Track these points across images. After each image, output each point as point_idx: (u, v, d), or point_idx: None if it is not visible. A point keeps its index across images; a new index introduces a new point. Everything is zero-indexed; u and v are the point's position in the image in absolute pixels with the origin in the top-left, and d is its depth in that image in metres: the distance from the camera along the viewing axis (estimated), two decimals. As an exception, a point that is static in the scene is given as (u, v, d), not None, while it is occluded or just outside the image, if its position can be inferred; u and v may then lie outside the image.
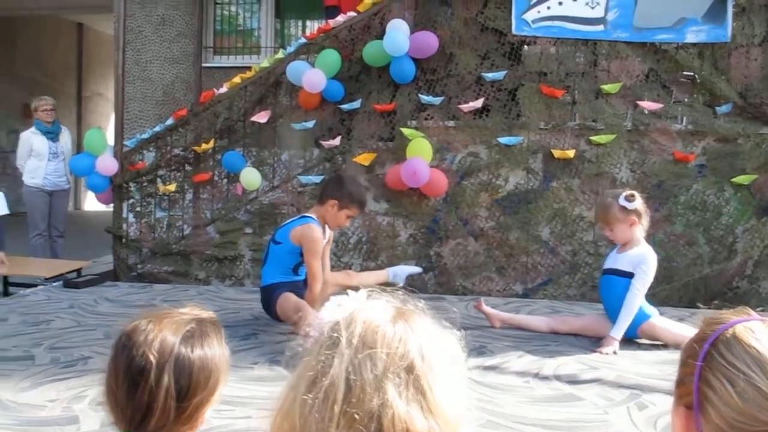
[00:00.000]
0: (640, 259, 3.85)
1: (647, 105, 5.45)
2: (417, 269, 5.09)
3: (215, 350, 1.32)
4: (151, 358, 1.22)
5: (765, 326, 0.93)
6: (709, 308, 4.99)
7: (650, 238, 5.45)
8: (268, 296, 3.97)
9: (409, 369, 0.87)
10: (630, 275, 3.86)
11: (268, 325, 4.06)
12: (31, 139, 6.99)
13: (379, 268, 5.55)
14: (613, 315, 3.93)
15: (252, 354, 3.57)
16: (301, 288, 3.97)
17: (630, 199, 3.85)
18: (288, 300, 3.81)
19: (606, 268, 4.08)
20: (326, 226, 4.08)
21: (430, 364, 0.90)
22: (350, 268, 5.59)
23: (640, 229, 3.91)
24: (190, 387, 1.25)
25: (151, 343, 1.24)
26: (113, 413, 1.27)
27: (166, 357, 1.23)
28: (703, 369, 0.92)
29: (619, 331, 3.78)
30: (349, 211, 4.03)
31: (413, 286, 5.20)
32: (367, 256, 5.64)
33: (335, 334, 0.89)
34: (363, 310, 0.94)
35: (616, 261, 3.97)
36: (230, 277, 5.79)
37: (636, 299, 3.81)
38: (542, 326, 4.20)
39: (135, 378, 1.22)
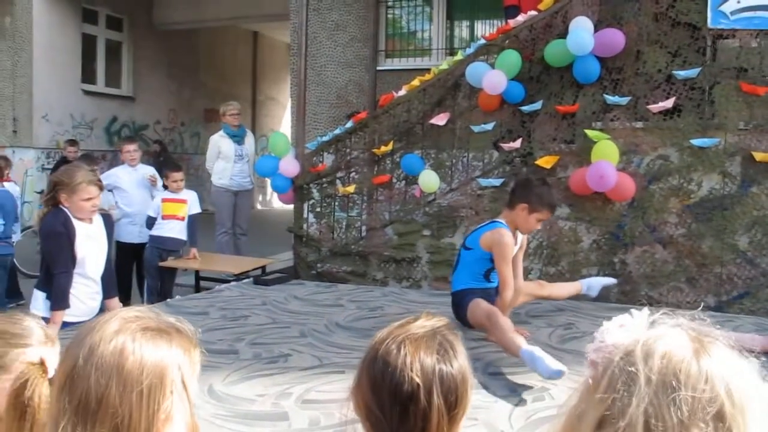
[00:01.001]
0: None
1: None
2: (611, 280, 4.84)
3: (465, 358, 1.33)
4: (418, 380, 1.23)
5: None
6: None
7: None
8: (459, 301, 3.94)
9: (719, 416, 0.79)
10: None
11: (458, 330, 4.03)
12: (219, 142, 7.46)
13: (560, 273, 5.40)
14: None
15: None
16: (492, 295, 3.91)
17: None
18: (479, 306, 3.76)
19: None
20: (517, 231, 3.99)
21: (742, 409, 0.81)
22: (530, 273, 5.47)
23: None
24: (457, 401, 1.26)
25: (412, 365, 1.25)
26: (376, 430, 1.28)
27: (430, 377, 1.24)
28: None
29: None
30: (539, 215, 3.91)
31: (596, 295, 5.01)
32: (547, 261, 5.49)
33: (632, 369, 0.82)
34: (660, 339, 0.87)
35: None
36: (407, 279, 5.85)
37: None
38: None
39: (405, 403, 1.23)
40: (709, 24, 5.23)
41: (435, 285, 5.71)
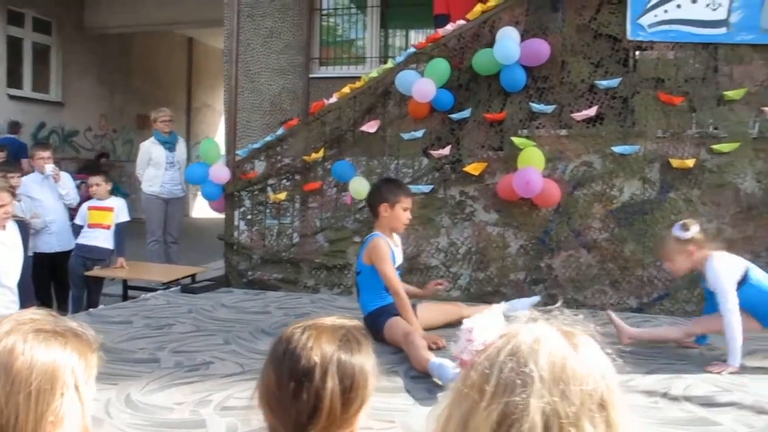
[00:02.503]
0: (712, 279, 3.64)
1: (775, 111, 5.15)
2: (536, 299, 4.90)
3: (369, 357, 1.36)
4: (316, 359, 1.26)
5: None
6: None
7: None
8: (373, 324, 3.95)
9: (602, 404, 0.84)
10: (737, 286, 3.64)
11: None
12: (150, 148, 7.33)
13: (489, 279, 5.49)
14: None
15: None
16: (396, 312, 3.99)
17: (684, 227, 3.70)
18: (397, 325, 3.81)
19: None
20: (394, 236, 4.12)
21: (614, 394, 0.86)
22: (459, 279, 5.55)
23: (708, 253, 3.68)
24: (352, 389, 1.27)
25: (312, 348, 1.29)
26: (275, 416, 1.30)
27: (328, 360, 1.27)
28: None
29: (735, 359, 3.55)
30: (402, 204, 4.09)
31: (523, 298, 5.10)
32: (476, 266, 5.57)
33: (525, 369, 0.84)
34: (539, 337, 0.90)
35: (704, 282, 3.82)
36: (339, 285, 5.85)
37: (732, 321, 3.52)
38: (678, 334, 4.01)
39: (300, 380, 1.25)
40: (629, 36, 5.41)
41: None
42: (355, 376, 1.28)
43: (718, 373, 3.50)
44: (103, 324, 4.17)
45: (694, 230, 3.71)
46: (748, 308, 3.63)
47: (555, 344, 0.87)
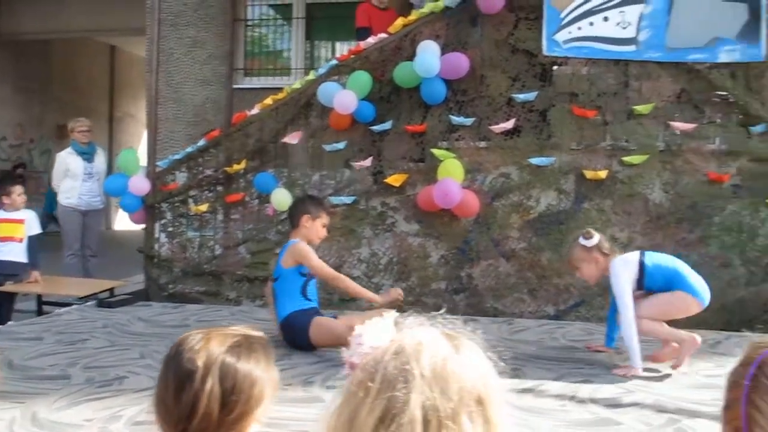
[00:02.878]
0: (613, 285, 3.80)
1: (680, 126, 5.41)
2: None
3: (261, 365, 1.36)
4: (199, 362, 1.27)
5: None
6: (752, 332, 4.90)
7: (684, 260, 5.41)
8: (290, 327, 4.01)
9: (479, 401, 0.88)
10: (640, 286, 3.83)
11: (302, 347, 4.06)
12: (67, 159, 7.13)
13: (410, 288, 5.55)
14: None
15: (285, 375, 3.57)
16: (317, 314, 4.02)
17: (587, 236, 3.86)
18: (323, 325, 3.84)
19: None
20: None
21: (492, 394, 0.91)
22: (380, 289, 5.59)
23: (611, 259, 3.83)
24: (234, 392, 1.28)
25: (199, 351, 1.30)
26: (159, 416, 1.31)
27: (212, 362, 1.28)
28: (750, 392, 0.93)
29: (636, 360, 3.70)
30: (322, 219, 4.28)
31: (444, 307, 5.19)
32: (398, 277, 5.63)
33: (407, 367, 0.88)
34: (422, 339, 0.93)
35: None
36: (261, 297, 5.81)
37: (629, 327, 3.68)
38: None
39: (182, 381, 1.27)
40: (544, 51, 5.59)
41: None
42: (238, 380, 1.28)
43: (623, 376, 3.65)
44: (12, 341, 4.03)
45: (596, 239, 3.85)
46: (658, 288, 3.82)
47: (437, 346, 0.91)
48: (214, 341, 1.32)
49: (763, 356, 0.95)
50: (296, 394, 3.26)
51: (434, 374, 0.87)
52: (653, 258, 3.88)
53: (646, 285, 3.84)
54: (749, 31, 5.37)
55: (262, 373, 1.34)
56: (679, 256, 5.36)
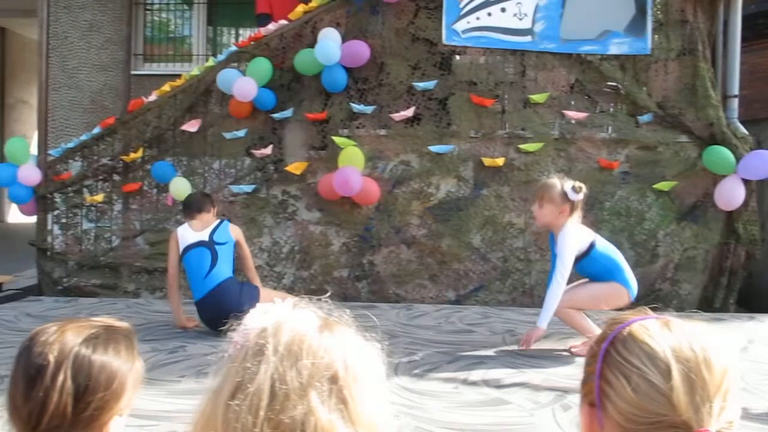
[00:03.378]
0: (560, 244, 3.89)
1: (573, 114, 5.61)
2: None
3: (122, 356, 1.29)
4: (50, 357, 1.20)
5: (660, 324, 0.96)
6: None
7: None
8: (236, 291, 4.23)
9: (333, 379, 0.89)
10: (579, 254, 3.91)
11: (197, 337, 4.01)
12: (-52, 148, 6.74)
13: (313, 277, 5.56)
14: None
15: (180, 367, 3.51)
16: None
17: (577, 190, 3.87)
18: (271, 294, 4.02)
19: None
20: None
21: (354, 375, 0.92)
22: (283, 278, 5.56)
23: (571, 220, 3.91)
24: (89, 387, 1.21)
25: (52, 344, 1.22)
26: (10, 416, 1.24)
27: (64, 356, 1.21)
28: (603, 367, 0.96)
29: (543, 321, 3.82)
30: None
31: (346, 294, 5.22)
32: (300, 265, 5.62)
33: (262, 341, 0.90)
34: (290, 320, 0.95)
35: (554, 245, 4.04)
36: (160, 289, 5.67)
37: (556, 289, 3.79)
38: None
39: (32, 376, 1.19)
40: (444, 41, 5.67)
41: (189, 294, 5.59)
42: (93, 374, 1.23)
43: (524, 347, 3.76)
44: None
45: (581, 196, 3.88)
46: (591, 274, 3.95)
47: (300, 324, 0.93)
48: (69, 333, 1.24)
49: (616, 332, 0.98)
50: (189, 385, 3.21)
51: (288, 350, 0.88)
52: (603, 245, 3.97)
53: (581, 265, 3.93)
54: (636, 26, 5.62)
55: (122, 364, 1.29)
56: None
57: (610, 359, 0.95)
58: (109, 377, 1.24)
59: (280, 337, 0.90)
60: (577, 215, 3.93)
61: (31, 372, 1.19)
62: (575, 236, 3.87)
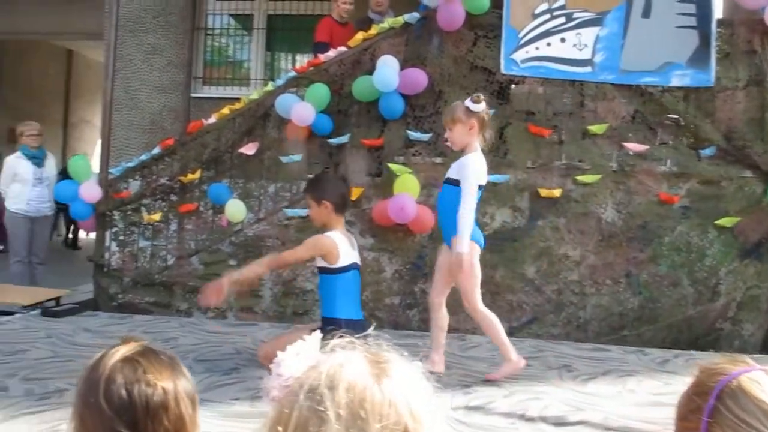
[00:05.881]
0: (461, 165, 3.83)
1: (633, 146, 5.50)
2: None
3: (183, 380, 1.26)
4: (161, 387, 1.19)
5: None
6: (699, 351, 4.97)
7: (634, 279, 5.51)
8: None
9: None
10: (457, 183, 3.85)
11: (251, 360, 4.00)
12: (15, 163, 6.95)
13: (364, 303, 5.50)
14: (443, 224, 3.99)
15: (233, 389, 3.51)
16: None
17: (476, 100, 3.85)
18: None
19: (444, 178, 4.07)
20: None
21: (421, 420, 0.85)
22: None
23: (478, 138, 3.88)
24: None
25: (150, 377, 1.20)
26: None
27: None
28: (711, 424, 0.89)
29: (463, 245, 3.74)
30: None
31: (397, 322, 5.18)
32: (351, 290, 5.59)
33: (320, 408, 0.82)
34: (340, 369, 0.86)
35: (450, 169, 3.97)
36: (212, 309, 5.72)
37: (464, 208, 3.73)
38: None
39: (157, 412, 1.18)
40: (502, 70, 5.64)
41: (240, 316, 5.63)
42: (165, 401, 1.21)
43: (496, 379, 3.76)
44: (-52, 351, 3.89)
45: (482, 107, 3.86)
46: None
47: (355, 377, 0.84)
48: (126, 367, 1.19)
49: (722, 385, 0.91)
50: (243, 408, 3.20)
51: (351, 413, 0.80)
52: None
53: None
54: (699, 57, 5.51)
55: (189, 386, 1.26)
56: (629, 275, 5.51)
57: (720, 416, 0.88)
58: (177, 401, 1.22)
59: (339, 397, 0.82)
60: (482, 138, 3.92)
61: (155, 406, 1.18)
62: (479, 162, 3.83)
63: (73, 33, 12.24)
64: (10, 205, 6.94)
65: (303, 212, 5.63)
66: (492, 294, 5.52)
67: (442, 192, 4.07)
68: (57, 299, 5.87)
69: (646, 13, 5.68)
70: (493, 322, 3.86)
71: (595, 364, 3.88)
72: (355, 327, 3.84)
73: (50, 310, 5.16)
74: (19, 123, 7.38)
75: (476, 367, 4.18)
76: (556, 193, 5.48)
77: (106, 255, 6.04)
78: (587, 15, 5.67)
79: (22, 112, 13.19)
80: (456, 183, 3.87)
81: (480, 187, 3.92)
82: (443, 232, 4.09)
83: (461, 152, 5.54)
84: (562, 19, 5.69)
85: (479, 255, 3.96)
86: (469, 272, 3.80)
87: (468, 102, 3.88)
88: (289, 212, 5.67)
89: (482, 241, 3.97)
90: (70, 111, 15.67)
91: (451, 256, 3.85)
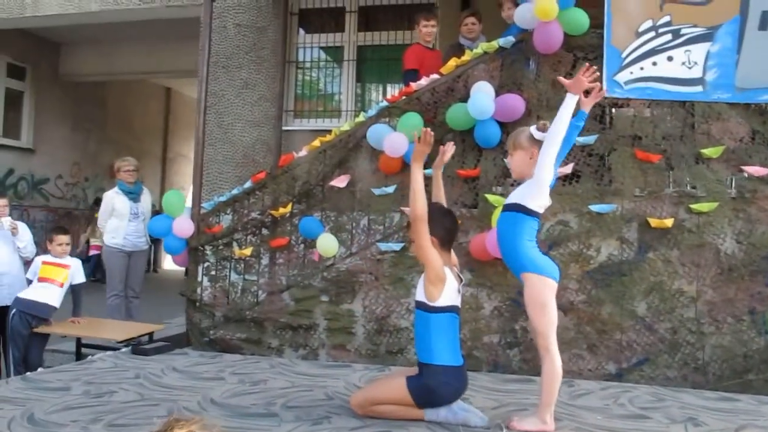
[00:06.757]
0: (523, 186, 3.62)
1: (753, 170, 5.02)
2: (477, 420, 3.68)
3: None
4: None
5: None
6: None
7: (760, 316, 4.99)
8: None
9: None
10: (513, 207, 3.63)
11: (342, 407, 3.77)
12: (113, 199, 7.09)
13: (462, 342, 5.22)
14: (506, 256, 3.73)
15: (325, 439, 3.29)
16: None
17: (541, 128, 3.59)
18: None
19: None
20: None
21: None
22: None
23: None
24: None
25: None
26: None
27: None
28: None
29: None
30: None
31: (497, 362, 4.85)
32: (447, 328, 5.31)
33: None
34: None
35: (509, 196, 3.74)
36: (304, 347, 5.56)
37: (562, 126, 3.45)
38: None
39: None
40: (605, 93, 5.28)
41: (332, 354, 5.44)
42: None
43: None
44: (38, 391, 3.85)
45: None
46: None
47: None
48: None
49: None
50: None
51: None
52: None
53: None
54: (827, 71, 4.99)
55: None
56: (753, 312, 5.00)
57: None
58: None
59: None
60: None
61: None
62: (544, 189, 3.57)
63: (169, 71, 12.71)
64: (108, 240, 7.06)
65: (397, 246, 5.42)
66: (598, 332, 5.13)
67: (500, 220, 3.77)
68: (150, 334, 5.86)
69: (764, 25, 5.22)
70: (558, 373, 3.45)
71: (724, 417, 3.43)
72: (454, 374, 3.57)
73: (140, 348, 5.12)
74: (117, 159, 7.55)
75: (589, 419, 3.79)
76: (668, 223, 5.05)
77: (198, 290, 6.00)
78: (696, 30, 5.26)
79: (124, 147, 13.75)
80: (515, 208, 3.62)
81: (536, 215, 3.65)
82: (509, 266, 3.77)
83: (562, 182, 5.26)
84: (669, 36, 5.30)
85: (555, 291, 3.61)
86: (542, 311, 3.48)
87: (533, 129, 3.66)
88: (383, 246, 5.47)
89: (557, 275, 3.63)
90: (168, 146, 16.22)
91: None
